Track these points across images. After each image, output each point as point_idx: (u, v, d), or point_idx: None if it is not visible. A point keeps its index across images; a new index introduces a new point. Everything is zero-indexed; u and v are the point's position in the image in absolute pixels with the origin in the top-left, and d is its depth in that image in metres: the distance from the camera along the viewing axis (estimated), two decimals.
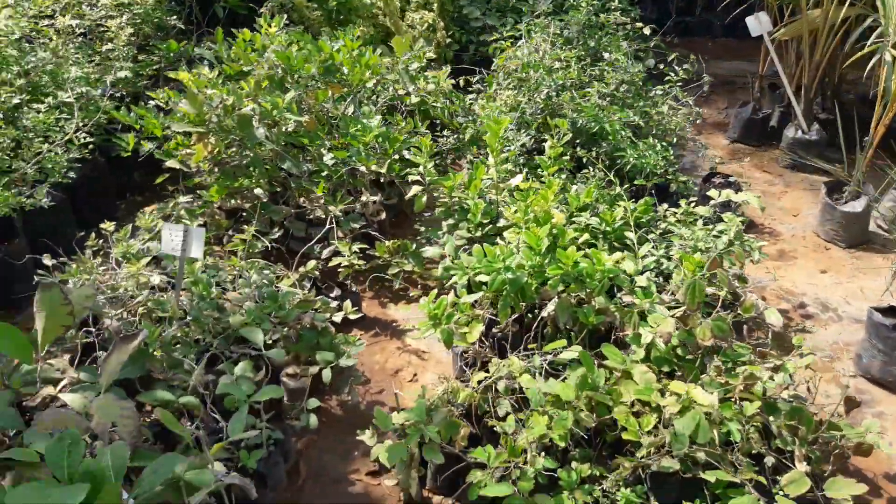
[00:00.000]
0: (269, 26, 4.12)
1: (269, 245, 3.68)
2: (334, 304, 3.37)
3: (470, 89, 4.71)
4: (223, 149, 3.63)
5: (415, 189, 3.86)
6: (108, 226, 3.39)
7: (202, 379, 2.70)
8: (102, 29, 4.55)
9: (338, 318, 3.36)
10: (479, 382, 2.84)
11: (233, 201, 4.01)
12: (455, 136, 4.57)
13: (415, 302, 3.95)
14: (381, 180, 4.14)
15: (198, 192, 4.00)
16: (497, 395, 2.81)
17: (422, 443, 2.61)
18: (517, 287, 2.97)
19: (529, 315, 3.21)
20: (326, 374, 2.93)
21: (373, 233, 3.98)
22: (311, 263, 3.56)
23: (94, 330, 2.93)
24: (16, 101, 3.77)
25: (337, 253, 3.73)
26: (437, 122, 4.66)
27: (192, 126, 3.67)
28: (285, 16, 4.33)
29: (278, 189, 4.02)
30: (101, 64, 4.42)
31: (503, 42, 4.66)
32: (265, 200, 3.91)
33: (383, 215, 4.17)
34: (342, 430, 3.15)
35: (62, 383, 2.60)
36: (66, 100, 3.75)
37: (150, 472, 2.10)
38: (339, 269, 3.71)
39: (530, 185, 3.32)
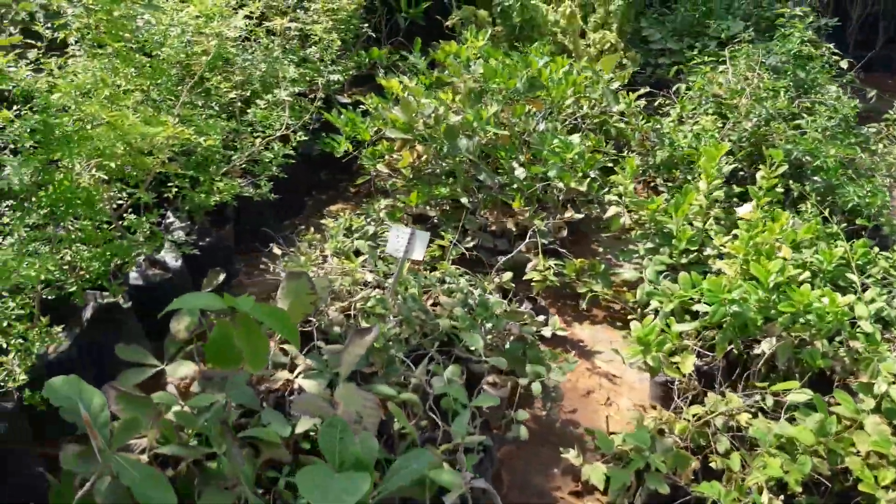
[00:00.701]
0: (476, 39, 4.20)
1: (465, 252, 3.73)
2: (540, 317, 3.36)
3: (660, 112, 4.63)
4: (431, 157, 3.71)
5: (613, 210, 3.81)
6: (327, 222, 3.54)
7: (424, 378, 2.75)
8: (308, 32, 4.77)
9: (547, 332, 3.35)
10: (695, 416, 2.76)
11: (416, 207, 4.11)
12: (640, 157, 4.50)
13: (600, 323, 3.90)
14: (561, 197, 4.13)
15: (395, 196, 4.13)
16: (715, 430, 2.72)
17: (641, 470, 2.56)
18: (741, 321, 2.87)
19: (736, 351, 3.10)
20: (537, 388, 2.92)
21: (560, 249, 3.95)
22: (508, 275, 3.58)
23: (312, 320, 3.06)
24: (232, 96, 4.00)
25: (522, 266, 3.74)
26: (617, 141, 4.62)
27: (402, 133, 3.78)
28: (488, 31, 4.40)
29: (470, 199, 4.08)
30: (300, 66, 4.64)
31: (703, 66, 4.55)
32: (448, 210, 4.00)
33: (564, 232, 4.15)
34: (536, 445, 3.13)
35: (298, 369, 2.71)
36: (284, 98, 3.94)
37: (401, 466, 2.15)
38: (533, 283, 3.70)
39: (757, 216, 3.20)
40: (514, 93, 4.03)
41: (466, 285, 3.25)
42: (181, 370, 2.58)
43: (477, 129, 3.87)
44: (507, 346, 3.08)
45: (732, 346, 3.01)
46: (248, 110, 3.93)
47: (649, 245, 3.68)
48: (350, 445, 2.00)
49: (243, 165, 3.89)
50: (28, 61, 2.93)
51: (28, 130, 2.62)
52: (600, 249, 4.53)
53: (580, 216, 3.91)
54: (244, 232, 4.26)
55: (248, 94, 4.14)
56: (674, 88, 4.98)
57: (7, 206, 2.74)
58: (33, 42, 3.22)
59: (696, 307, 3.11)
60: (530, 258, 3.81)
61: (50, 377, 2.12)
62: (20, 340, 2.65)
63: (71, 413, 2.02)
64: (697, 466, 2.57)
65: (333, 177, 5.34)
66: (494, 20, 5.91)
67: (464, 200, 3.87)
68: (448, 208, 4.15)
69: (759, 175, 3.56)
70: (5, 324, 2.63)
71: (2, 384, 2.59)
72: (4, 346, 2.63)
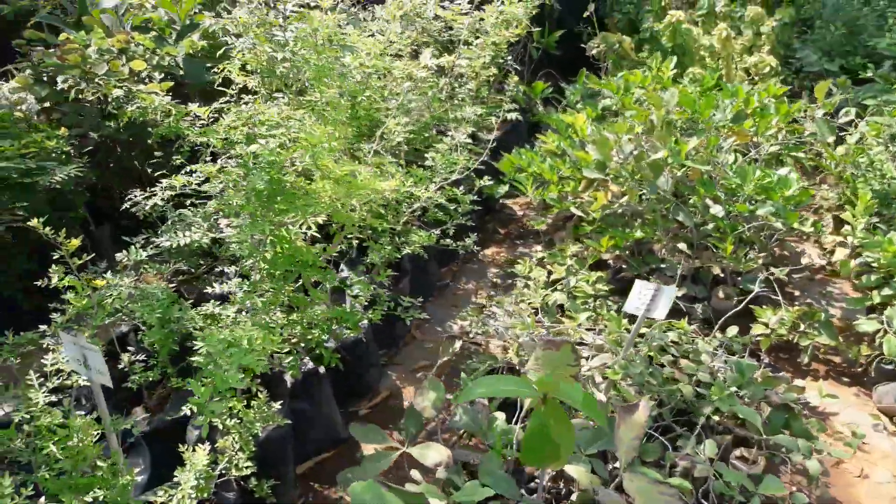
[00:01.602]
0: (661, 69, 3.88)
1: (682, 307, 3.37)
2: (799, 382, 2.97)
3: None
4: (636, 197, 3.38)
5: (841, 252, 3.40)
6: (521, 269, 3.24)
7: (698, 459, 2.39)
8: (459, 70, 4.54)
9: (814, 400, 2.96)
10: None
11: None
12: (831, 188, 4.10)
13: (823, 378, 3.47)
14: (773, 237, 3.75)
15: (561, 240, 3.82)
16: None
17: None
18: None
19: None
20: (815, 467, 2.54)
21: (774, 297, 3.56)
22: (733, 330, 3.20)
23: None
24: (399, 139, 3.77)
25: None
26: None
27: (598, 172, 3.47)
28: (674, 58, 4.08)
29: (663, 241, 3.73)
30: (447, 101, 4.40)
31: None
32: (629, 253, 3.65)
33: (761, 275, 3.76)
34: None
35: None
36: (461, 140, 3.68)
37: None
38: (759, 338, 3.31)
39: None
40: (715, 124, 3.68)
41: (705, 346, 2.89)
42: (433, 455, 2.29)
43: (673, 164, 3.54)
44: (768, 415, 2.70)
45: None
46: (427, 154, 3.69)
47: (888, 291, 3.26)
48: None
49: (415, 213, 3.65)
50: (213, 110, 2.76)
51: (253, 188, 2.40)
52: (796, 293, 4.11)
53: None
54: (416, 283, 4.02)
55: (412, 136, 3.91)
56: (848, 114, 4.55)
57: (230, 271, 2.53)
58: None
59: None
60: (729, 305, 3.44)
61: (263, 457, 2.08)
62: (237, 420, 2.41)
63: None
64: None
65: (481, 218, 5.07)
66: (639, 47, 5.61)
67: (682, 246, 3.53)
68: (629, 252, 3.82)
69: None
70: (228, 403, 2.39)
71: (223, 472, 2.35)
72: (223, 427, 2.39)
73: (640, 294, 2.68)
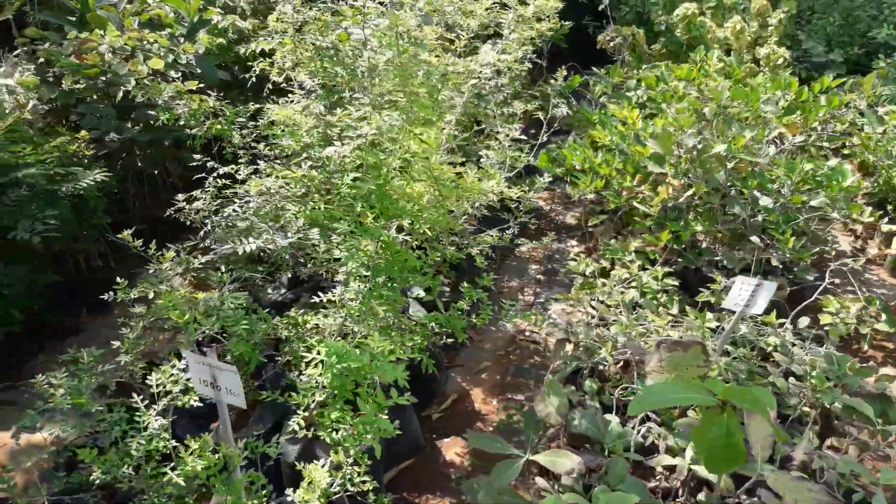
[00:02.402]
0: (706, 62, 3.89)
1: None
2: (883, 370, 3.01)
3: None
4: (703, 191, 3.38)
5: (877, 240, 3.46)
6: (574, 267, 3.20)
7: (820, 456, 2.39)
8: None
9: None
10: None
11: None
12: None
13: (881, 365, 3.54)
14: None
15: (614, 235, 3.80)
16: None
17: None
18: None
19: None
20: None
21: (829, 287, 3.61)
22: (804, 321, 3.23)
23: None
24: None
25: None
26: None
27: (658, 166, 3.46)
28: (716, 52, 4.09)
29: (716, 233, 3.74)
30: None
31: None
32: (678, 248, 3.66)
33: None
34: None
35: (688, 454, 2.36)
36: (512, 136, 3.62)
37: None
38: (826, 328, 3.35)
39: None
40: (763, 117, 3.71)
41: (791, 338, 2.90)
42: (565, 462, 2.23)
43: (727, 158, 3.55)
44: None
45: None
46: (470, 150, 3.63)
47: None
48: None
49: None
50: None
51: (361, 194, 2.30)
52: (836, 280, 4.19)
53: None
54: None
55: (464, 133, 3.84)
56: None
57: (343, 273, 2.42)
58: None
59: None
60: (782, 296, 3.49)
61: None
62: (347, 432, 2.32)
63: None
64: None
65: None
66: (651, 39, 5.63)
67: (755, 239, 3.52)
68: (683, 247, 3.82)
69: None
70: (343, 416, 2.29)
71: (349, 489, 2.25)
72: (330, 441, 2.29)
73: (741, 290, 2.67)
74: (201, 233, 3.82)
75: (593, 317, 3.14)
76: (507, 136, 3.64)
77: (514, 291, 4.26)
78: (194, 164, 4.09)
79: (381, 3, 3.47)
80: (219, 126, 3.33)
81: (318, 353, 2.14)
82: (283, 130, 2.72)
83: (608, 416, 2.48)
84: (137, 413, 2.19)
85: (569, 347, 2.76)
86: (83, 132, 4.25)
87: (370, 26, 2.73)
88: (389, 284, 2.39)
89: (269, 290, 3.60)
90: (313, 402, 2.33)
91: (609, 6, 6.02)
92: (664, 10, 5.80)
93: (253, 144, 3.54)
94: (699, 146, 3.38)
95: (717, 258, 3.65)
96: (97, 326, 4.61)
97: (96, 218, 4.36)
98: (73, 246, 4.36)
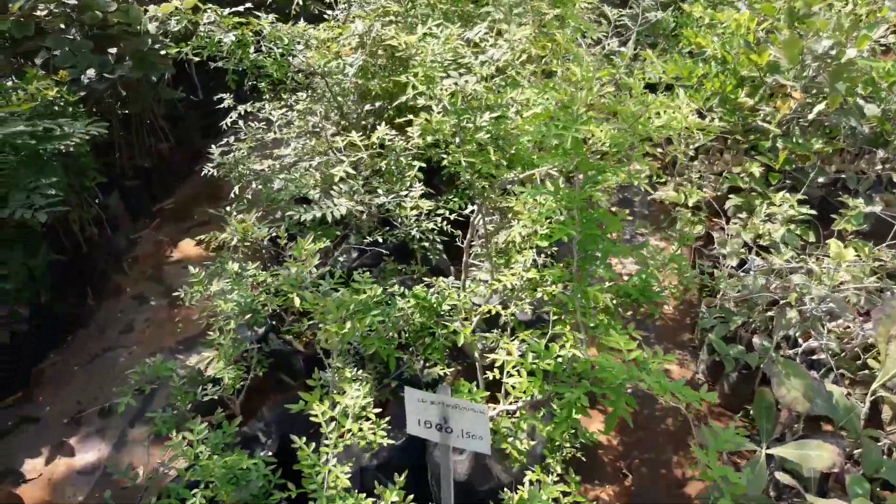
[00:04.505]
0: None
1: None
2: None
3: None
4: (837, 104, 2.94)
5: None
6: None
7: None
8: None
9: None
10: None
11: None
12: None
13: None
14: None
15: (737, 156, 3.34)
16: None
17: None
18: None
19: None
20: None
21: None
22: None
23: None
24: None
25: None
26: None
27: (783, 77, 2.99)
28: None
29: None
30: None
31: None
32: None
33: None
34: None
35: None
36: None
37: None
38: None
39: None
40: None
41: None
42: (822, 457, 1.83)
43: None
44: None
45: None
46: None
47: None
48: None
49: None
50: None
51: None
52: None
53: None
54: None
55: None
56: None
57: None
58: None
59: None
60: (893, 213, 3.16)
61: None
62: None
63: None
64: None
65: None
66: None
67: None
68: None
69: None
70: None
71: None
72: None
73: None
74: (235, 190, 3.20)
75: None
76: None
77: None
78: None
79: None
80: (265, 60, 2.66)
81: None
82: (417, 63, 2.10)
83: (832, 388, 2.09)
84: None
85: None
86: (61, 73, 3.41)
87: None
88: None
89: (339, 256, 3.02)
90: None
91: None
92: None
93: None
94: (833, 52, 2.90)
95: (842, 176, 3.28)
96: (107, 312, 3.93)
97: (88, 178, 3.58)
98: (66, 215, 3.59)
